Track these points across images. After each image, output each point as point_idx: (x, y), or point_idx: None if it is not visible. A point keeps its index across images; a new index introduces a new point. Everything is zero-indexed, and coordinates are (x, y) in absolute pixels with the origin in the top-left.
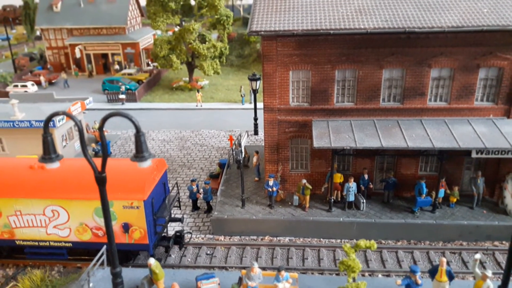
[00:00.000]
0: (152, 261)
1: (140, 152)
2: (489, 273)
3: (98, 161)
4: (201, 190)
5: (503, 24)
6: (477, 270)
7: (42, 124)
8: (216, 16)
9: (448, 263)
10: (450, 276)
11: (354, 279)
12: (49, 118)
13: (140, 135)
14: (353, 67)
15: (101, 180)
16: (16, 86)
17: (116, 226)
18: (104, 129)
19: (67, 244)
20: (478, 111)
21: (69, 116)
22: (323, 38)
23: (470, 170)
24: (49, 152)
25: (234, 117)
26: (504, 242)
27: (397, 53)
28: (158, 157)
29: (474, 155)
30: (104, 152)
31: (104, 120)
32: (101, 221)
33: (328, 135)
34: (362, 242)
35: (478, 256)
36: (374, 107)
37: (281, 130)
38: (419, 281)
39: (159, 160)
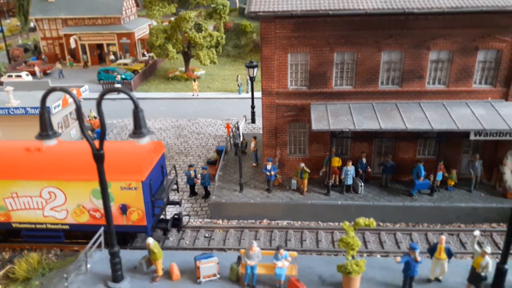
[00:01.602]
0: (150, 240)
1: (138, 128)
2: (488, 249)
3: (96, 142)
4: (199, 176)
5: (502, 5)
6: (476, 247)
7: (37, 111)
8: (212, 5)
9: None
10: (449, 254)
11: (353, 257)
12: (46, 94)
13: (139, 111)
14: (352, 50)
15: (99, 157)
16: (11, 76)
17: (113, 207)
18: (98, 118)
19: (64, 227)
20: (477, 94)
21: (66, 91)
22: (321, 20)
23: (468, 154)
24: (46, 129)
25: (231, 106)
26: (501, 224)
27: (396, 35)
28: None
29: (472, 137)
30: (103, 128)
31: (102, 95)
32: (98, 203)
33: (327, 118)
34: (362, 220)
35: (477, 232)
36: (372, 90)
37: (279, 114)
38: (419, 258)
39: (157, 143)
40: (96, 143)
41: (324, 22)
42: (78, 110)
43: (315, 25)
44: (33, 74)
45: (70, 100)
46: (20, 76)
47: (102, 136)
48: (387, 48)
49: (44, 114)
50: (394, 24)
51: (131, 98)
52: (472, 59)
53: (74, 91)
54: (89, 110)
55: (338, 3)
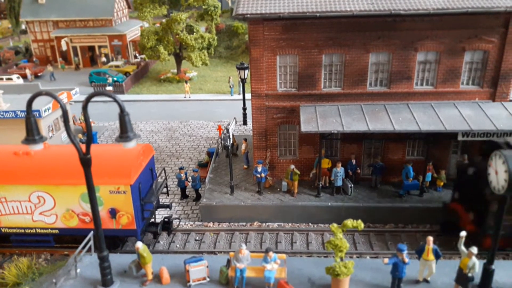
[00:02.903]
0: (139, 244)
1: (124, 132)
2: (474, 250)
3: (83, 146)
4: (190, 178)
5: (488, 6)
6: (463, 248)
7: None
8: (203, 7)
9: (435, 243)
10: (437, 255)
11: (341, 259)
12: (32, 99)
13: (125, 114)
14: (340, 52)
15: (85, 161)
16: (1, 79)
17: (103, 211)
18: (90, 120)
19: (53, 231)
20: (464, 95)
21: (51, 95)
22: (309, 22)
23: (456, 154)
24: (32, 134)
25: (223, 108)
26: None
27: (384, 36)
28: None
29: (460, 138)
30: (89, 133)
31: (87, 99)
32: (87, 207)
33: (316, 120)
34: (349, 222)
35: (463, 233)
36: (361, 92)
37: (269, 116)
38: (406, 260)
39: (145, 146)
40: (83, 147)
41: (312, 24)
42: (65, 115)
43: (303, 27)
44: (24, 76)
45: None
46: (11, 78)
47: (88, 140)
48: (375, 50)
49: (30, 119)
50: (382, 25)
51: (117, 102)
52: (459, 60)
53: (64, 94)
54: (80, 113)
55: (325, 5)
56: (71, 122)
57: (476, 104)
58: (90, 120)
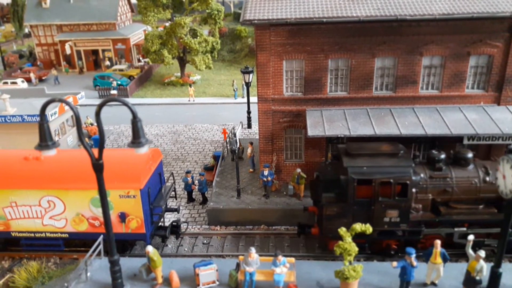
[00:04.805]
0: (150, 248)
1: (137, 138)
2: (482, 253)
3: (94, 150)
4: (196, 182)
5: (493, 12)
6: (471, 251)
7: (34, 119)
8: (207, 11)
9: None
10: (444, 258)
11: (350, 262)
12: (45, 105)
13: (137, 121)
14: (346, 56)
15: (98, 167)
16: (6, 83)
17: (112, 215)
18: (94, 124)
19: (63, 235)
20: (469, 99)
21: (65, 102)
22: (316, 27)
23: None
24: (45, 139)
25: (227, 111)
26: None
27: (389, 41)
28: None
29: (465, 141)
30: (102, 138)
31: (100, 106)
32: (97, 211)
33: (322, 124)
34: (358, 226)
35: (471, 237)
36: (367, 96)
37: (275, 120)
38: (414, 263)
39: (154, 150)
40: (95, 152)
41: (318, 29)
42: (78, 121)
43: (310, 32)
44: (28, 80)
45: (67, 107)
46: (15, 82)
47: (101, 146)
48: (381, 54)
49: (43, 125)
50: (387, 30)
51: (129, 108)
52: (464, 64)
53: (71, 99)
54: (85, 117)
55: (332, 11)
56: (80, 119)
57: (481, 108)
58: (95, 124)
